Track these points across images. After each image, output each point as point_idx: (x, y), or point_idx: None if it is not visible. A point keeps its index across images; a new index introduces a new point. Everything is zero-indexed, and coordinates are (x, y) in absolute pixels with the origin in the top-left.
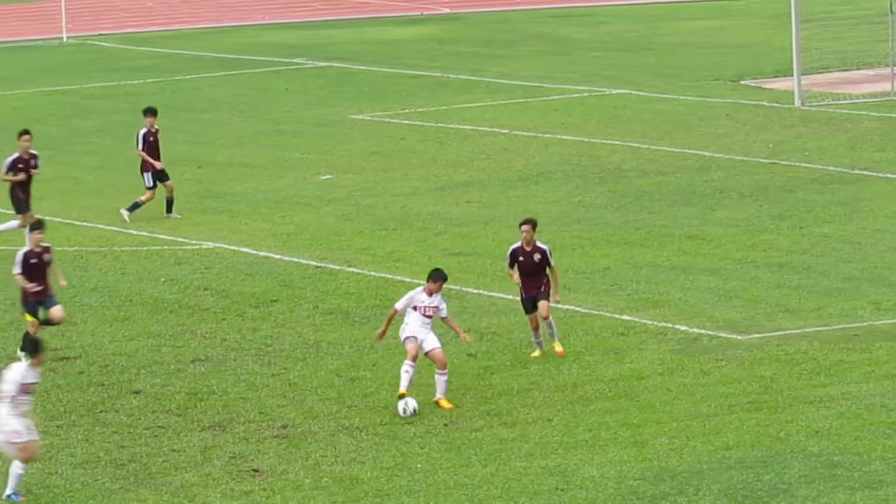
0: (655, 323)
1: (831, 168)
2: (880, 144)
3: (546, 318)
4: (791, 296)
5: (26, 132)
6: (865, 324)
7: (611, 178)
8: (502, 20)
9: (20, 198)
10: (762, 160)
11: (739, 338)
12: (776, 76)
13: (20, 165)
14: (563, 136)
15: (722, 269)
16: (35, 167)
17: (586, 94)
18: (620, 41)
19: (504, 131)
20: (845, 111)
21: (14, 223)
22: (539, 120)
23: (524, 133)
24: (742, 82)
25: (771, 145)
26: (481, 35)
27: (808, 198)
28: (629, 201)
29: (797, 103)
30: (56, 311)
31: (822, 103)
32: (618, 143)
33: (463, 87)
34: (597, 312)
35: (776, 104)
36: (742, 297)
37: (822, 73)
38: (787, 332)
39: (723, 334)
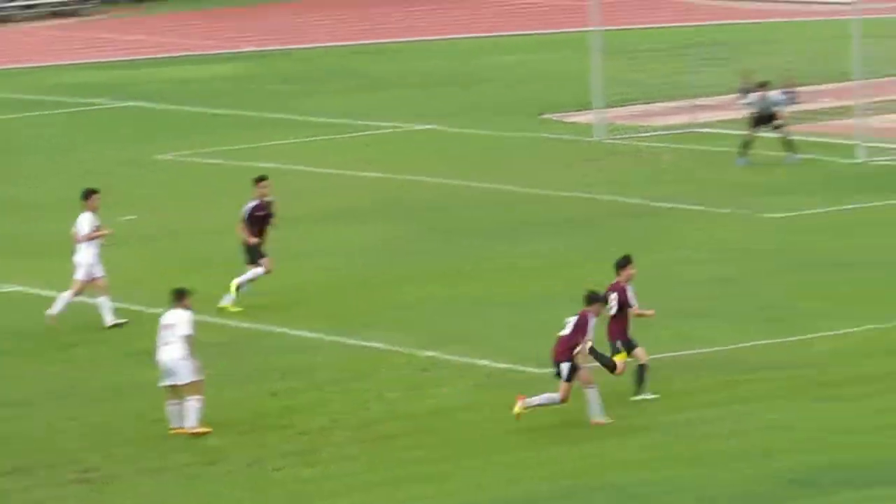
0: (458, 358)
1: (633, 200)
2: (680, 176)
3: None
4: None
5: None
6: (668, 355)
7: (418, 214)
8: (309, 57)
9: None
10: (565, 193)
11: (542, 371)
12: (580, 110)
13: None
14: (372, 173)
15: (526, 303)
16: None
17: (394, 131)
18: (428, 77)
19: (312, 169)
20: (647, 143)
21: None
22: (347, 157)
23: (332, 171)
24: (546, 116)
25: (574, 179)
26: (288, 72)
27: (610, 230)
28: (436, 237)
29: (600, 136)
30: None
31: (624, 136)
32: (425, 178)
33: (270, 125)
34: (400, 349)
35: (579, 137)
36: (545, 330)
37: (624, 105)
38: (589, 364)
39: (526, 368)
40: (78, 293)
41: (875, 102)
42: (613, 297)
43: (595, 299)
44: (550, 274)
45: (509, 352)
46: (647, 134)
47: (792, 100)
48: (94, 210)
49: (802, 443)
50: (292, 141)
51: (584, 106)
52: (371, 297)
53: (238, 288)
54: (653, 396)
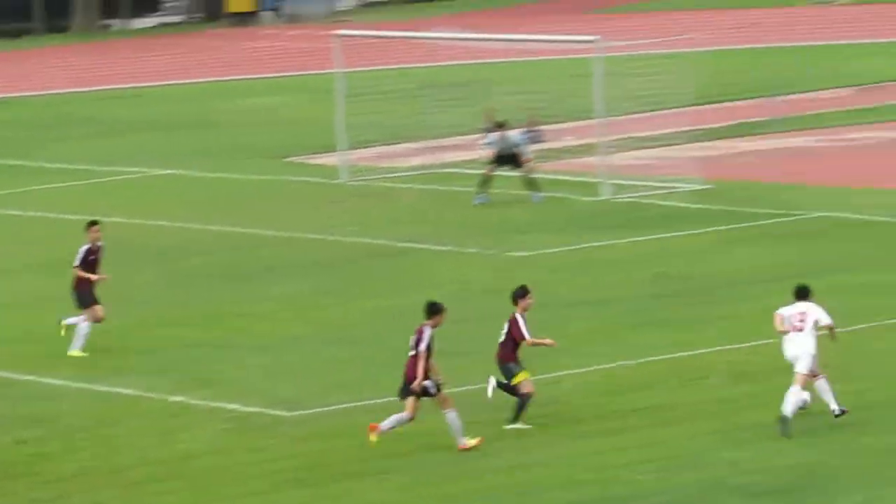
0: (207, 403)
1: (378, 241)
2: (424, 217)
3: None
4: (342, 370)
5: None
6: None
7: (162, 258)
8: (50, 103)
9: None
10: (311, 236)
11: (291, 414)
12: (324, 151)
13: None
14: (114, 219)
15: (274, 346)
16: None
17: (136, 176)
18: (170, 121)
19: (53, 216)
20: (390, 184)
21: None
22: (89, 203)
23: (73, 217)
24: (291, 159)
25: (319, 221)
26: (29, 119)
27: (357, 272)
28: (180, 281)
29: (343, 178)
30: None
31: (367, 177)
32: (168, 223)
33: (9, 172)
34: (148, 395)
35: (324, 179)
36: (294, 373)
37: (367, 147)
38: (340, 406)
39: (275, 411)
40: None
41: (617, 140)
42: (506, 325)
43: (435, 311)
44: (298, 316)
45: (259, 395)
46: (392, 175)
47: (535, 138)
48: None
49: (553, 479)
50: (38, 188)
51: (329, 148)
52: (118, 342)
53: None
54: (527, 426)
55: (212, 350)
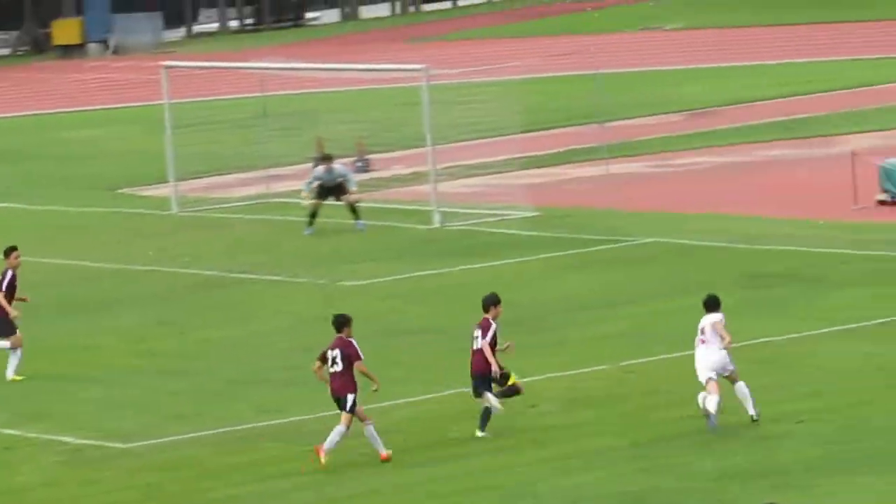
0: (41, 436)
1: (210, 272)
2: (257, 247)
3: None
4: (177, 401)
5: None
6: (250, 425)
7: None
8: None
9: None
10: (143, 268)
11: (127, 446)
12: (155, 183)
13: None
14: None
15: (109, 379)
16: None
17: None
18: None
19: None
20: (222, 215)
21: None
22: None
23: None
24: (122, 191)
25: (151, 253)
26: None
27: (190, 303)
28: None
29: (175, 210)
30: None
31: (199, 208)
32: None
33: None
34: None
35: (155, 211)
36: (130, 405)
37: (198, 178)
38: (175, 437)
39: (110, 444)
40: None
41: (447, 168)
42: (478, 331)
43: (343, 322)
44: (133, 348)
45: (94, 427)
46: (223, 205)
47: (364, 168)
48: None
49: None
50: None
51: (160, 179)
52: None
53: None
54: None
55: (47, 383)
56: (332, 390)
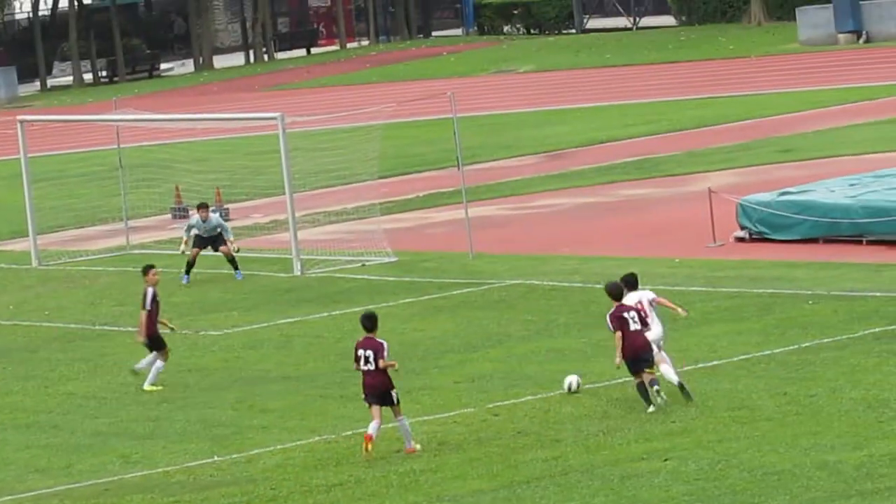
0: None
1: (72, 325)
2: (119, 298)
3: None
4: (40, 455)
5: None
6: (116, 478)
7: None
8: None
9: None
10: (3, 322)
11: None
12: (13, 237)
13: None
14: None
15: None
16: None
17: None
18: None
19: None
20: (83, 268)
21: None
22: None
23: None
24: None
25: (11, 307)
26: None
27: (52, 356)
28: None
29: (35, 263)
30: None
31: (59, 262)
32: None
33: None
34: None
35: (14, 265)
36: None
37: (58, 231)
38: (38, 492)
39: None
40: None
41: (307, 215)
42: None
43: (373, 322)
44: None
45: None
46: (84, 258)
47: (224, 217)
48: None
49: None
50: None
51: (19, 233)
52: None
53: None
54: None
55: None
56: (371, 387)
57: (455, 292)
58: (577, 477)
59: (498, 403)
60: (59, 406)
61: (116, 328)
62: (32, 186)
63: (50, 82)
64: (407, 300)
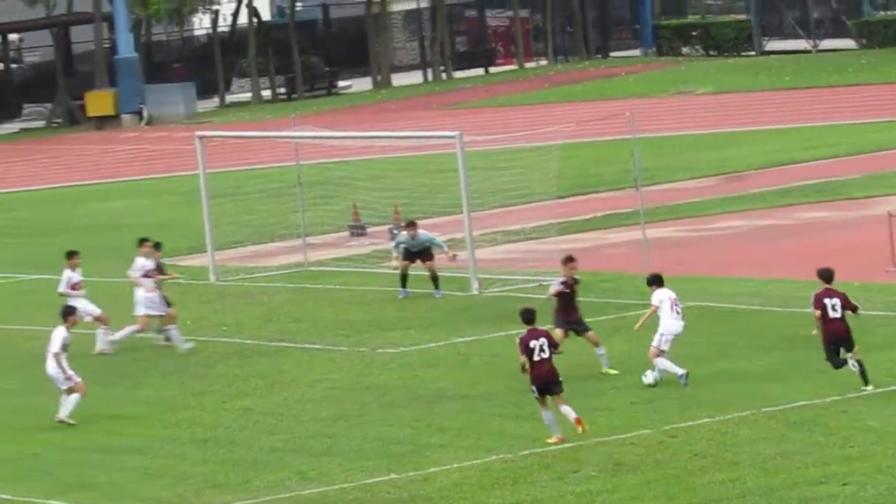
0: None
1: (249, 341)
2: (296, 315)
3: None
4: (218, 471)
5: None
6: (292, 494)
7: (27, 363)
8: None
9: None
10: (182, 337)
11: None
12: (191, 253)
13: None
14: None
15: (148, 448)
16: None
17: (2, 281)
18: (33, 226)
19: None
20: (261, 284)
21: None
22: None
23: None
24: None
25: (189, 322)
26: None
27: (229, 372)
28: (48, 385)
29: (213, 279)
30: None
31: (237, 278)
32: (34, 328)
33: None
34: (25, 499)
35: (192, 281)
36: (169, 474)
37: (235, 247)
38: None
39: None
40: None
41: (484, 234)
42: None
43: (534, 314)
44: (170, 417)
45: (134, 497)
46: (261, 274)
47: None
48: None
49: None
50: None
51: (197, 249)
52: None
53: None
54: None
55: (87, 453)
56: (543, 375)
57: (632, 313)
58: (754, 500)
59: (675, 425)
60: (235, 421)
61: (293, 344)
62: (211, 202)
63: (228, 98)
64: (587, 320)
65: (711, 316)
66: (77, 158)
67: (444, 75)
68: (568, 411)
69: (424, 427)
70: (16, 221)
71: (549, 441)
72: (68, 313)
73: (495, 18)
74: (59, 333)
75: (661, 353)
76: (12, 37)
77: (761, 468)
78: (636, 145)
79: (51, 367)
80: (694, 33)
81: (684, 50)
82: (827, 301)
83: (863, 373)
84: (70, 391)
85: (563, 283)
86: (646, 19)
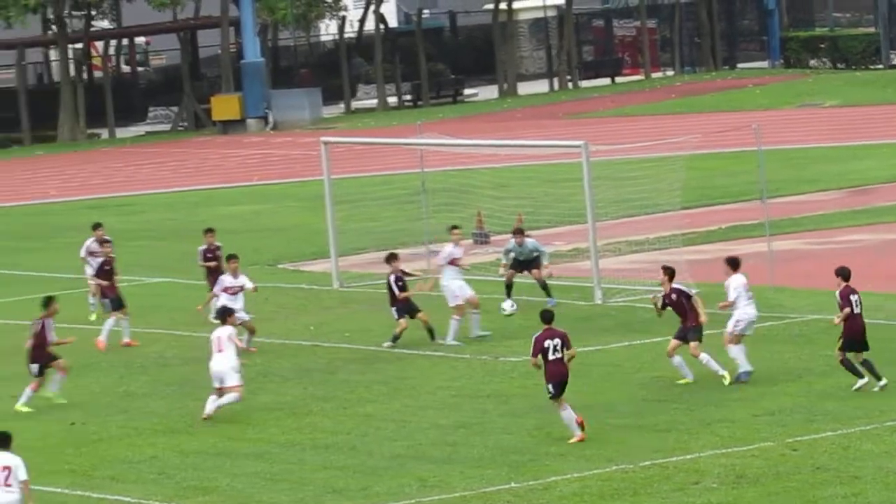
0: None
1: (371, 347)
2: (418, 322)
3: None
4: (338, 476)
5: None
6: (412, 501)
7: (153, 366)
8: (39, 213)
9: None
10: (303, 342)
11: None
12: (314, 258)
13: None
14: (99, 327)
15: (268, 453)
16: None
17: (126, 284)
18: (158, 230)
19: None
20: (383, 291)
21: None
22: (76, 312)
23: (65, 325)
24: (280, 266)
25: (312, 328)
26: (18, 229)
27: (351, 378)
28: (173, 389)
29: (336, 285)
30: None
31: (360, 283)
32: (159, 331)
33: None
34: (145, 502)
35: (315, 286)
36: (289, 480)
37: (358, 253)
38: None
39: None
40: None
41: (608, 244)
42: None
43: (553, 315)
44: (291, 423)
45: (255, 502)
46: (383, 281)
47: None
48: None
49: None
50: (27, 298)
51: (320, 255)
52: (113, 451)
53: None
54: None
55: (208, 457)
56: (560, 375)
57: (756, 325)
58: None
59: (797, 438)
60: (357, 428)
61: (416, 351)
62: (335, 208)
63: (354, 104)
64: (709, 332)
65: (836, 329)
66: (202, 162)
67: (570, 84)
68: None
69: (545, 436)
70: (142, 224)
71: (571, 441)
72: (227, 314)
73: (622, 28)
74: (227, 330)
75: (737, 339)
76: (139, 40)
77: (883, 483)
78: (762, 157)
79: (224, 363)
80: (822, 46)
81: (812, 62)
82: (853, 298)
83: (871, 369)
84: (227, 392)
85: (664, 296)
86: (774, 31)
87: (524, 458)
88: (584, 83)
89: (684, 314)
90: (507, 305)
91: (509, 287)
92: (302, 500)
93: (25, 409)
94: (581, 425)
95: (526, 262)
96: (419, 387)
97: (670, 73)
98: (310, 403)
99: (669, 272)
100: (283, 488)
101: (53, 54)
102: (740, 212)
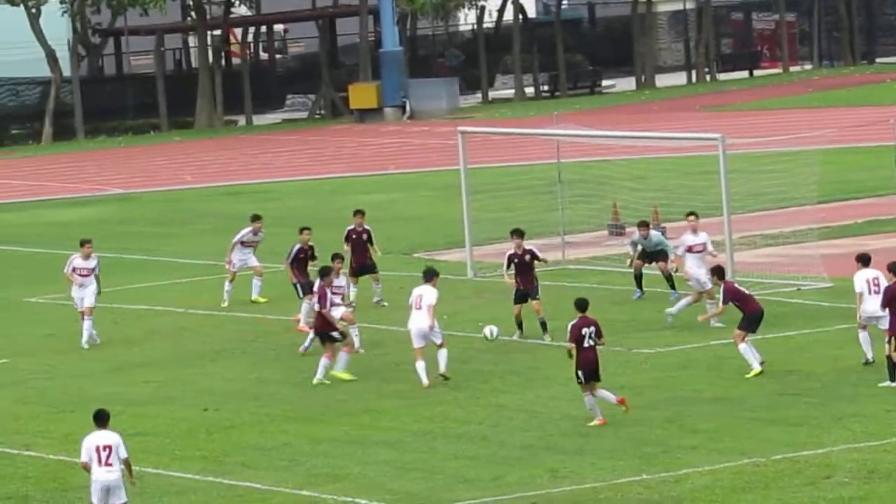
0: (335, 497)
1: (504, 338)
2: (554, 314)
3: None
4: (469, 466)
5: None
6: (543, 491)
7: (287, 354)
8: (175, 199)
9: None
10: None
11: None
12: (448, 247)
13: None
14: (239, 314)
15: (400, 442)
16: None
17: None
18: (293, 217)
19: (179, 310)
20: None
21: None
22: (213, 298)
23: (199, 311)
24: (415, 255)
25: (445, 317)
26: (154, 215)
27: (484, 368)
28: (306, 377)
29: (470, 274)
30: None
31: (494, 273)
32: (292, 318)
33: (137, 267)
34: (276, 489)
35: (449, 275)
36: (420, 468)
37: (493, 243)
38: (466, 502)
39: None
40: None
41: (743, 237)
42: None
43: (587, 303)
44: (422, 412)
45: (385, 490)
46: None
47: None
48: None
49: None
50: (163, 283)
51: (454, 244)
52: (245, 437)
53: None
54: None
55: (339, 445)
56: (591, 363)
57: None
58: None
59: None
60: (489, 418)
61: (547, 343)
62: (470, 197)
63: (491, 94)
64: (841, 326)
65: None
66: (338, 150)
67: (707, 77)
68: (607, 395)
69: (677, 428)
70: (280, 211)
71: (591, 424)
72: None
73: (761, 21)
74: (431, 291)
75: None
76: (278, 27)
77: None
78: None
79: (424, 321)
80: None
81: None
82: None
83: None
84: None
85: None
86: None
87: (656, 449)
88: (722, 76)
89: (745, 305)
90: (488, 331)
91: (638, 278)
92: (432, 489)
93: (345, 376)
94: (622, 403)
95: (653, 254)
96: (552, 378)
97: (808, 66)
98: (442, 392)
99: (719, 272)
100: (414, 477)
101: (192, 41)
102: (876, 206)
